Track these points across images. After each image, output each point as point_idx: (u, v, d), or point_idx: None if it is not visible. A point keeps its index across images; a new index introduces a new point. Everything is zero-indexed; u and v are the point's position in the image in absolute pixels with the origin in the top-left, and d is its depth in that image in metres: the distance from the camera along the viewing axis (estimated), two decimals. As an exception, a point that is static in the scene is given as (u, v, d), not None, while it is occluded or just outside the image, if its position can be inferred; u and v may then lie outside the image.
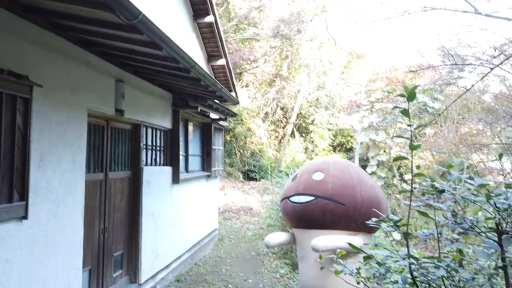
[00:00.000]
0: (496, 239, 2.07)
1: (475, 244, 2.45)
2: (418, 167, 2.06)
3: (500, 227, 2.13)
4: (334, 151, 18.95)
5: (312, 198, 4.02)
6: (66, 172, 3.41)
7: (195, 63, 3.73)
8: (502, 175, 2.43)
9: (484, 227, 2.21)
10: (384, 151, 12.80)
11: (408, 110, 2.02)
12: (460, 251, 2.11)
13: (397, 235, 9.12)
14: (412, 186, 1.95)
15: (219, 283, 5.96)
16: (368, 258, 1.97)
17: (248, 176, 16.66)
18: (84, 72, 3.71)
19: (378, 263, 1.93)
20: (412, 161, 1.92)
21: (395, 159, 1.98)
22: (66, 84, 3.42)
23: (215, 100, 6.57)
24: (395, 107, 2.05)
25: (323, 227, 4.02)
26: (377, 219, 2.23)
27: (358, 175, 4.21)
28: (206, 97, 5.97)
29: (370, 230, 4.20)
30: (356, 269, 2.20)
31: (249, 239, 8.97)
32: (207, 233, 7.83)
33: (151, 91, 5.32)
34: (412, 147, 1.92)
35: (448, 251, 2.31)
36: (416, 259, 1.74)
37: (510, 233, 2.06)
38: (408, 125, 2.08)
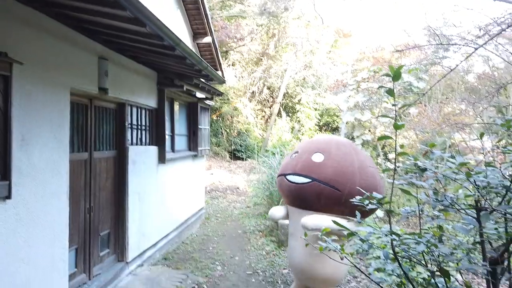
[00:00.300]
0: (475, 215, 2.14)
1: (454, 221, 2.53)
2: (402, 146, 2.09)
3: (479, 204, 2.20)
4: (320, 130, 19.07)
5: (309, 180, 3.99)
6: (50, 152, 3.36)
7: (180, 40, 3.66)
8: (483, 153, 2.49)
9: (464, 204, 2.28)
10: (369, 131, 12.93)
11: (393, 89, 2.04)
12: (440, 227, 2.18)
13: (380, 213, 9.34)
14: (395, 165, 1.98)
15: (206, 260, 6.04)
16: (351, 234, 2.02)
17: (235, 155, 16.70)
18: (66, 49, 3.61)
19: (361, 239, 1.98)
20: (396, 140, 1.95)
21: (380, 138, 2.01)
22: (48, 62, 3.33)
23: (201, 79, 6.50)
24: (380, 86, 2.07)
25: (317, 210, 4.04)
26: (360, 197, 2.28)
27: (360, 161, 4.07)
28: (192, 76, 5.89)
29: (362, 217, 4.26)
30: (340, 245, 2.26)
31: (235, 218, 9.07)
32: (194, 212, 7.88)
33: (136, 69, 5.22)
34: (397, 127, 1.95)
35: (428, 228, 2.38)
36: (398, 235, 1.79)
37: (488, 209, 2.14)
38: (393, 105, 2.10)
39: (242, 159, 16.52)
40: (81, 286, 4.11)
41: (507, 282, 2.26)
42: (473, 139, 12.85)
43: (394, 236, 1.83)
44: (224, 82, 6.75)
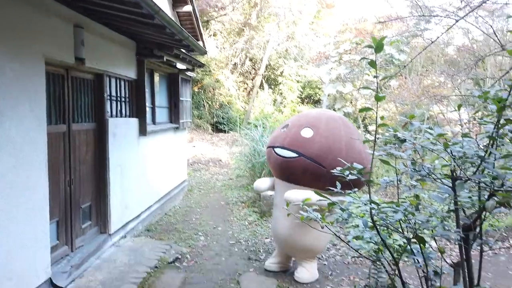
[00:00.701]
0: (450, 184, 2.22)
1: (430, 190, 2.62)
2: (382, 118, 2.13)
3: (454, 174, 2.28)
4: (302, 103, 19.09)
5: (296, 155, 4.04)
6: (26, 124, 3.27)
7: (159, 8, 3.55)
8: (460, 125, 2.56)
9: (440, 173, 2.35)
10: (351, 103, 13.03)
11: (376, 61, 2.04)
12: (416, 196, 2.25)
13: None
14: (375, 136, 2.02)
15: (189, 231, 6.11)
16: (332, 204, 2.07)
17: (217, 128, 16.62)
18: (39, 16, 3.45)
19: (341, 208, 2.03)
20: (377, 112, 1.98)
21: (361, 110, 2.03)
22: (19, 30, 3.18)
23: (182, 50, 6.35)
24: (363, 58, 2.07)
25: (302, 184, 4.12)
26: (341, 168, 2.32)
27: (348, 138, 4.09)
28: (172, 46, 5.74)
29: (349, 189, 4.34)
30: (321, 214, 2.32)
31: (218, 189, 9.14)
32: (176, 184, 7.89)
33: (113, 38, 5.05)
34: (378, 98, 1.97)
35: (406, 197, 2.46)
36: (377, 204, 1.85)
37: (463, 179, 2.21)
38: (375, 77, 2.11)
39: (224, 131, 16.47)
40: (64, 258, 4.11)
41: (478, 248, 2.39)
42: (450, 111, 13.16)
43: (373, 205, 1.88)
44: (205, 52, 6.61)
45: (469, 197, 2.36)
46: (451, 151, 2.17)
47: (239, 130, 15.72)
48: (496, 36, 4.46)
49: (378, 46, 2.01)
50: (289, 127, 4.33)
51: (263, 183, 4.71)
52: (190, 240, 5.72)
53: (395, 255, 2.43)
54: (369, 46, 2.02)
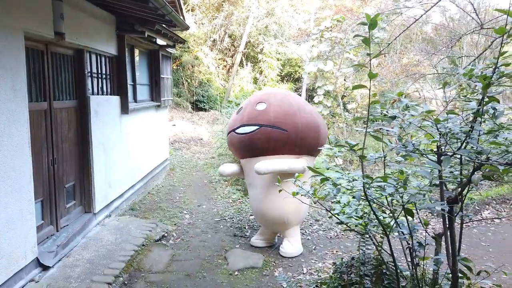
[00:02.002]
0: (436, 159, 2.31)
1: (416, 165, 2.71)
2: (374, 95, 2.17)
3: (440, 149, 2.37)
4: (282, 81, 19.04)
5: (257, 127, 4.23)
6: (7, 101, 3.16)
7: (144, -18, 3.44)
8: (446, 101, 2.63)
9: (424, 149, 2.44)
10: (330, 81, 13.09)
11: (369, 38, 2.07)
12: (401, 172, 2.33)
13: (339, 160, 9.76)
14: (368, 113, 2.06)
15: (173, 209, 6.13)
16: (325, 179, 2.13)
17: (197, 106, 16.43)
18: (15, -12, 3.29)
19: (334, 183, 2.09)
20: (370, 89, 2.01)
21: (354, 87, 2.06)
22: (-5, 2, 3.03)
23: (163, 25, 6.20)
24: (356, 35, 2.09)
25: (268, 153, 4.29)
26: (325, 143, 2.39)
27: (297, 103, 4.44)
28: (154, 21, 5.58)
29: (312, 153, 4.51)
30: (314, 190, 2.38)
31: (200, 168, 9.14)
32: (158, 163, 7.84)
33: (93, 12, 4.88)
34: (371, 76, 2.01)
35: (391, 172, 2.55)
36: (371, 178, 1.90)
37: (448, 154, 2.30)
38: (368, 54, 2.14)
39: (205, 110, 16.32)
40: (49, 237, 4.08)
41: (459, 220, 2.52)
42: (427, 90, 13.43)
43: (366, 180, 1.95)
44: (188, 28, 6.48)
45: (451, 172, 2.48)
46: (437, 127, 2.25)
47: (219, 109, 15.61)
48: (477, 14, 4.55)
49: (372, 23, 2.03)
50: (243, 108, 4.54)
51: (228, 167, 4.83)
52: (175, 218, 5.75)
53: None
54: (363, 23, 2.04)
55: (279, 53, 18.82)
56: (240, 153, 4.59)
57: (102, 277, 3.69)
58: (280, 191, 2.61)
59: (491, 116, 2.22)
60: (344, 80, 12.32)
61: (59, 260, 3.89)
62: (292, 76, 19.29)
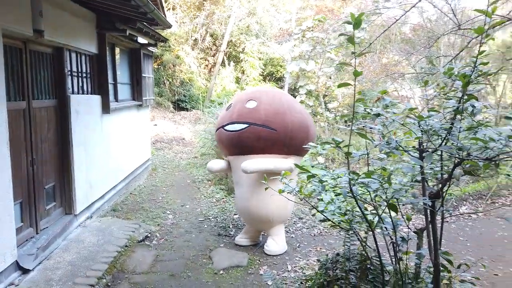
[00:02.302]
0: (418, 156, 2.37)
1: (398, 162, 2.77)
2: (359, 93, 2.21)
3: (421, 146, 2.42)
4: (264, 80, 19.08)
5: (246, 125, 4.20)
6: (-16, 100, 3.07)
7: (126, -21, 3.39)
8: (427, 99, 2.70)
9: (406, 146, 2.50)
10: (312, 81, 13.20)
11: (354, 38, 2.10)
12: (383, 169, 2.38)
13: (321, 159, 9.84)
14: (353, 111, 2.09)
15: (156, 210, 6.07)
16: (311, 176, 2.15)
17: (179, 106, 16.30)
18: (-8, -17, 3.19)
19: (320, 180, 2.12)
20: (355, 87, 2.05)
21: (340, 85, 2.09)
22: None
23: (145, 23, 6.12)
24: (341, 34, 2.12)
25: (257, 152, 4.27)
26: (312, 143, 2.41)
27: (288, 102, 4.42)
28: (135, 20, 5.52)
29: (300, 153, 4.53)
30: (300, 188, 2.40)
31: (183, 168, 9.07)
32: (140, 163, 7.74)
33: (73, 10, 4.78)
34: (356, 74, 2.04)
35: (374, 169, 2.59)
36: (358, 174, 1.94)
37: (429, 150, 2.36)
38: (352, 53, 2.17)
39: (187, 109, 16.20)
40: (29, 240, 3.98)
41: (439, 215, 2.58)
42: (405, 89, 13.68)
43: (353, 176, 1.98)
44: (170, 26, 6.42)
45: (431, 168, 2.54)
46: (419, 124, 2.30)
47: (201, 108, 15.53)
48: (455, 15, 4.67)
49: (357, 22, 2.07)
50: (232, 105, 4.51)
51: (216, 164, 4.79)
52: (159, 218, 5.69)
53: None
54: (348, 22, 2.07)
55: (261, 53, 18.85)
56: (228, 150, 4.56)
57: (85, 279, 3.62)
58: (266, 189, 2.63)
59: (469, 113, 2.29)
60: (330, 78, 12.43)
61: (40, 263, 3.80)
62: (274, 75, 19.36)
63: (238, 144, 4.33)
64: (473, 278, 2.67)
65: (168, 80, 16.54)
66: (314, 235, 5.34)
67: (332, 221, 2.48)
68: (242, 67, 18.76)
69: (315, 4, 19.40)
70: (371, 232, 2.19)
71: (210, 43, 19.13)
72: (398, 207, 2.63)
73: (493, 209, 6.07)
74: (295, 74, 12.11)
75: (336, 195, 2.79)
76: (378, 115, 2.26)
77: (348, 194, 1.99)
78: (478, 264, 2.80)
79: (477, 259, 4.32)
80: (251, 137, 4.20)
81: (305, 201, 2.40)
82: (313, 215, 5.99)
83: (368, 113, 2.39)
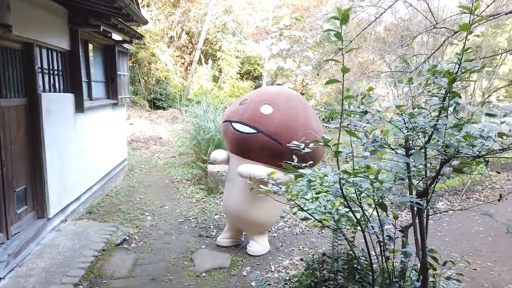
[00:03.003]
0: (404, 153, 2.35)
1: (383, 160, 2.75)
2: (348, 90, 2.17)
3: (407, 144, 2.41)
4: (242, 79, 18.99)
5: (254, 131, 4.00)
6: None
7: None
8: (413, 97, 2.69)
9: (393, 143, 2.48)
10: (290, 79, 13.21)
11: (341, 33, 2.06)
12: (368, 167, 2.35)
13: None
14: (342, 109, 2.05)
15: (134, 211, 5.90)
16: (300, 176, 2.10)
17: (155, 104, 15.98)
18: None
19: (309, 180, 2.06)
20: (343, 84, 2.00)
21: (328, 82, 2.05)
22: None
23: (119, 19, 5.92)
24: (328, 29, 2.07)
25: (257, 160, 4.11)
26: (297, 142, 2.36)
27: (305, 117, 4.12)
28: (109, 15, 5.32)
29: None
30: (286, 188, 2.34)
31: (161, 168, 8.88)
32: (116, 164, 7.51)
33: (43, 4, 4.55)
34: (345, 70, 2.00)
35: (360, 167, 2.56)
36: (349, 173, 1.89)
37: (415, 148, 2.35)
38: (339, 49, 2.13)
39: (163, 108, 15.91)
40: (-1, 246, 3.76)
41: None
42: (380, 87, 13.89)
43: (343, 175, 1.93)
44: (146, 22, 6.24)
45: (414, 166, 2.53)
46: (404, 121, 2.29)
47: (178, 107, 15.28)
48: (432, 14, 4.74)
49: (344, 18, 2.02)
50: (247, 102, 4.24)
51: (220, 154, 4.60)
52: (137, 220, 5.53)
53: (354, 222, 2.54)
54: (335, 18, 2.02)
55: (238, 51, 18.75)
56: (230, 147, 4.40)
57: (60, 286, 3.46)
58: (251, 189, 2.55)
59: (452, 111, 2.29)
60: (305, 76, 12.47)
61: (11, 270, 3.60)
62: (251, 73, 19.30)
63: (241, 146, 4.15)
64: (457, 274, 2.69)
65: (143, 78, 16.20)
66: (296, 234, 5.31)
67: (321, 222, 2.43)
68: (219, 65, 18.60)
69: (291, 3, 19.44)
70: (362, 233, 2.15)
71: (186, 41, 18.88)
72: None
73: (477, 205, 6.19)
74: (273, 73, 12.09)
75: (317, 193, 2.72)
76: (365, 112, 2.23)
77: (338, 194, 1.94)
78: (458, 259, 2.83)
79: (461, 256, 4.42)
80: (256, 144, 4.01)
81: (293, 201, 2.34)
82: (294, 213, 5.96)
83: (357, 110, 2.36)
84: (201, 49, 18.07)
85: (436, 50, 5.75)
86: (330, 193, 1.96)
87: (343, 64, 1.98)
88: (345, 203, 2.05)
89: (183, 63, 19.03)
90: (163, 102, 16.10)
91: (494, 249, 4.96)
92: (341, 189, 1.97)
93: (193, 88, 17.51)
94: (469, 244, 5.13)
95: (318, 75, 12.49)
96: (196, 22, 18.28)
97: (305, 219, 5.75)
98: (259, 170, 3.93)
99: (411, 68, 11.70)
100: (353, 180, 1.93)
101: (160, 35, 17.66)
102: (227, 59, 18.08)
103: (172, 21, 17.79)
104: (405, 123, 2.28)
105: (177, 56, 18.60)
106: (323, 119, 13.43)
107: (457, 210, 6.23)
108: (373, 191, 2.01)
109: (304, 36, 11.33)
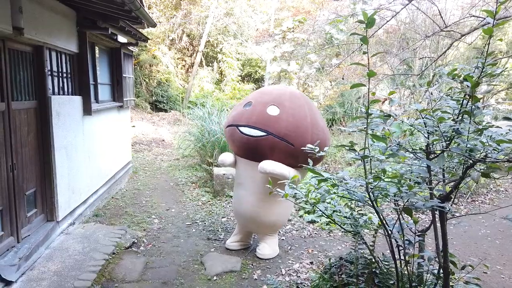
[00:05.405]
0: (425, 157, 2.35)
1: (398, 163, 2.73)
2: (373, 93, 2.17)
3: (428, 148, 2.41)
4: (243, 81, 19.00)
5: (264, 134, 3.95)
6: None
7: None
8: (432, 101, 2.69)
9: (414, 148, 2.47)
10: (292, 82, 13.21)
11: (367, 37, 2.05)
12: (384, 171, 2.34)
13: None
14: (368, 112, 2.04)
15: (141, 214, 5.88)
16: (323, 180, 2.09)
17: (156, 106, 15.97)
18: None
19: (333, 184, 2.05)
20: (368, 88, 2.00)
21: (353, 86, 2.04)
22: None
23: (127, 22, 5.91)
24: (353, 33, 2.07)
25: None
26: (327, 146, 2.36)
27: (311, 116, 4.10)
28: (117, 18, 5.32)
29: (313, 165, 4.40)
30: (306, 192, 2.33)
31: (165, 170, 8.86)
32: (121, 166, 7.49)
33: (52, 6, 4.54)
34: (371, 74, 1.99)
35: (375, 171, 2.55)
36: (379, 178, 1.88)
37: (436, 153, 2.35)
38: (364, 53, 2.13)
39: (165, 110, 15.89)
40: (10, 249, 3.74)
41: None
42: (379, 90, 13.91)
43: (370, 180, 1.92)
44: (155, 25, 6.22)
45: (432, 170, 2.52)
46: (425, 124, 2.29)
47: (180, 109, 15.27)
48: (441, 17, 4.74)
49: (370, 22, 2.02)
50: (253, 104, 4.19)
51: (228, 157, 4.54)
52: (144, 223, 5.51)
53: (375, 227, 2.54)
54: (360, 22, 2.02)
55: (239, 53, 18.77)
56: (239, 152, 4.34)
57: (73, 291, 3.43)
58: (270, 193, 2.54)
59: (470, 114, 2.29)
60: (307, 78, 12.49)
61: (23, 274, 3.57)
62: (252, 76, 19.31)
63: (251, 150, 4.10)
64: (475, 279, 2.68)
65: (144, 80, 16.19)
66: (305, 237, 5.30)
67: (341, 226, 2.42)
68: (220, 67, 18.61)
69: (292, 6, 19.50)
70: (386, 237, 2.14)
71: (187, 43, 18.89)
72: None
73: (495, 209, 6.16)
74: (276, 75, 12.09)
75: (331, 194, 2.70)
76: (389, 116, 2.23)
77: (365, 199, 1.93)
78: (467, 263, 2.81)
79: (480, 260, 4.41)
80: (266, 147, 3.97)
81: (310, 205, 2.33)
82: (301, 216, 5.95)
83: (370, 114, 2.35)
84: (202, 51, 18.08)
85: (443, 53, 5.76)
86: (357, 198, 1.95)
87: (369, 68, 1.97)
88: (374, 208, 2.04)
89: (184, 66, 19.04)
90: (164, 104, 16.08)
91: (502, 252, 4.97)
92: (369, 194, 1.96)
93: (194, 91, 17.51)
94: (477, 247, 5.13)
95: (321, 74, 12.50)
96: (197, 24, 18.29)
97: (312, 222, 5.74)
98: (282, 168, 3.90)
99: (414, 71, 11.73)
100: (380, 185, 1.92)
101: (161, 37, 17.67)
102: (228, 61, 18.09)
103: (173, 24, 17.80)
104: (425, 126, 2.29)
105: (178, 59, 18.61)
106: (327, 122, 13.43)
107: (475, 214, 6.20)
108: (401, 196, 2.00)
109: (307, 39, 11.34)
